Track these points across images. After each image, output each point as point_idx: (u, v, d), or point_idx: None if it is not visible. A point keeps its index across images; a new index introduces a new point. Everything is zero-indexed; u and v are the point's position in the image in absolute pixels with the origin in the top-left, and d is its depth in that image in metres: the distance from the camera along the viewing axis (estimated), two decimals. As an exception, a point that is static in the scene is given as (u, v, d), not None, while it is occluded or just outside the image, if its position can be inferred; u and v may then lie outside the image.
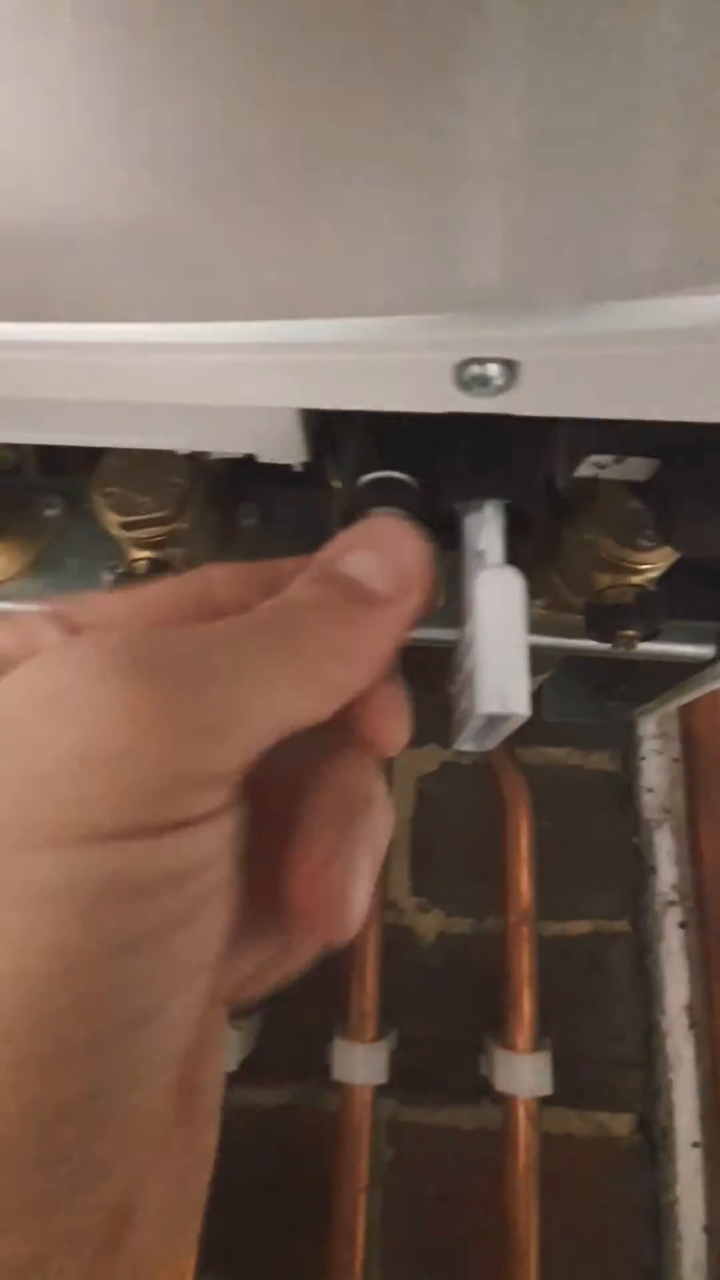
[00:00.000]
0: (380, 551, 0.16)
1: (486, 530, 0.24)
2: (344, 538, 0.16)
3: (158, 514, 0.33)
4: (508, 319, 0.19)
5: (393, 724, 0.16)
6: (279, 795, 0.14)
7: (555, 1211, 0.54)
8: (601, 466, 0.28)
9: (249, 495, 0.41)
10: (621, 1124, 0.57)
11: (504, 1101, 0.53)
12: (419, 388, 0.21)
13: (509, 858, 0.59)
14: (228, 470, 0.39)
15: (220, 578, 0.15)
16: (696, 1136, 0.54)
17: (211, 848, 0.10)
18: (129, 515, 0.32)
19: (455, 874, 0.63)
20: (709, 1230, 0.53)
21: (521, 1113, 0.52)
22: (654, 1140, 0.56)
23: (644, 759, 0.65)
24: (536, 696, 0.63)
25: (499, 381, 0.20)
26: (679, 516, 0.26)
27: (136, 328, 0.20)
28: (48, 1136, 0.08)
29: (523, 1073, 0.53)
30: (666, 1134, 0.55)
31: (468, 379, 0.20)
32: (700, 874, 0.58)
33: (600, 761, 0.67)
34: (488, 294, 0.19)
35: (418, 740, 0.66)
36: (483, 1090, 0.56)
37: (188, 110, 0.14)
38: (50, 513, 0.41)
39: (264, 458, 0.30)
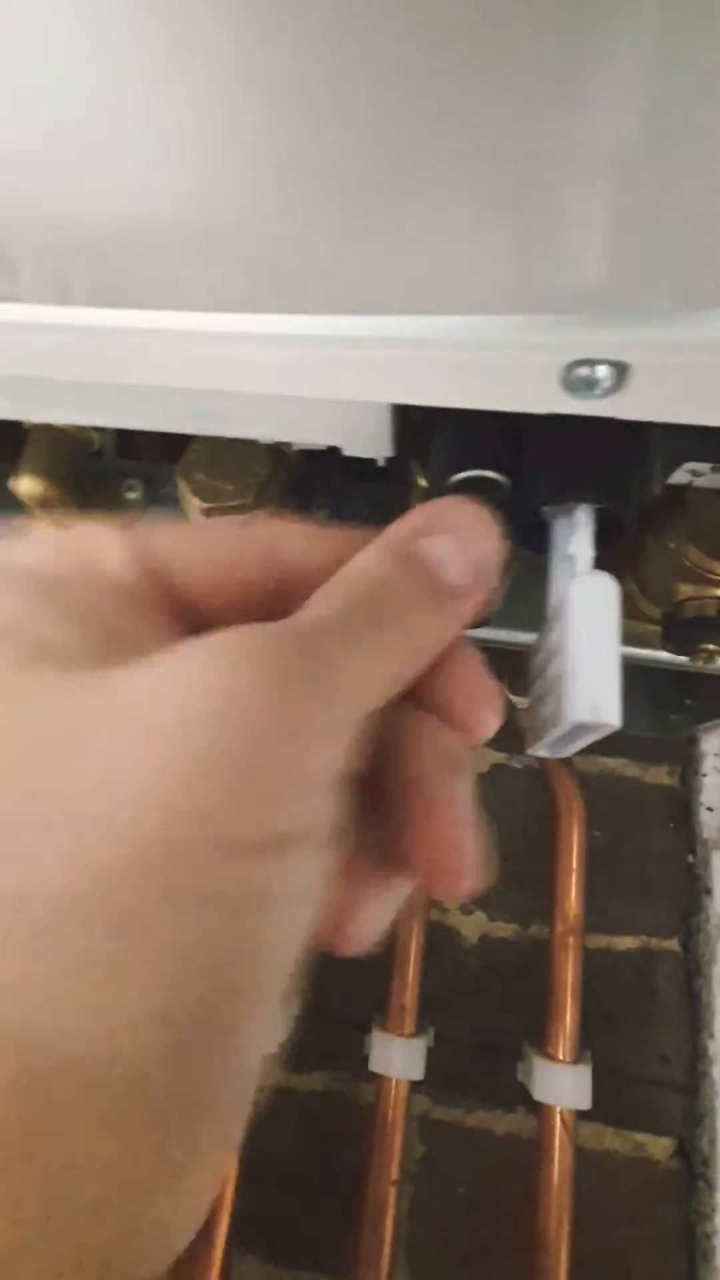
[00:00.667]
0: (458, 539, 0.15)
1: (578, 535, 0.24)
2: (420, 516, 0.15)
3: (238, 502, 0.33)
4: (623, 321, 0.18)
5: (484, 709, 0.16)
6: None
7: (587, 1228, 0.53)
8: (698, 475, 0.27)
9: (321, 489, 0.41)
10: (660, 1147, 0.56)
11: (540, 1110, 0.53)
12: (524, 388, 0.20)
13: (559, 866, 0.58)
14: (305, 463, 0.39)
15: (290, 534, 0.15)
16: (739, 1168, 0.53)
17: (314, 866, 0.11)
18: (211, 502, 0.33)
19: (501, 877, 0.63)
20: (747, 1265, 0.51)
21: (559, 1123, 0.52)
22: (694, 1168, 0.55)
23: (705, 776, 0.63)
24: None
25: (607, 384, 0.20)
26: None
27: (239, 318, 0.20)
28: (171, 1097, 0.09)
29: (562, 1083, 0.52)
30: (708, 1162, 0.54)
31: (574, 381, 0.20)
32: (759, 899, 0.55)
33: (659, 775, 0.65)
34: (597, 296, 0.18)
35: None
36: (517, 1097, 0.56)
37: (283, 104, 0.14)
38: (131, 495, 0.42)
39: (350, 451, 0.30)
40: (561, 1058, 0.53)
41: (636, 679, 0.66)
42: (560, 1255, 0.50)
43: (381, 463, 0.30)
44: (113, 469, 0.42)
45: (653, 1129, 0.56)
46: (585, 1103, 0.52)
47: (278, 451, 0.35)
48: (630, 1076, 0.57)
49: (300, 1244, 0.55)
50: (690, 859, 0.62)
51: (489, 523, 0.16)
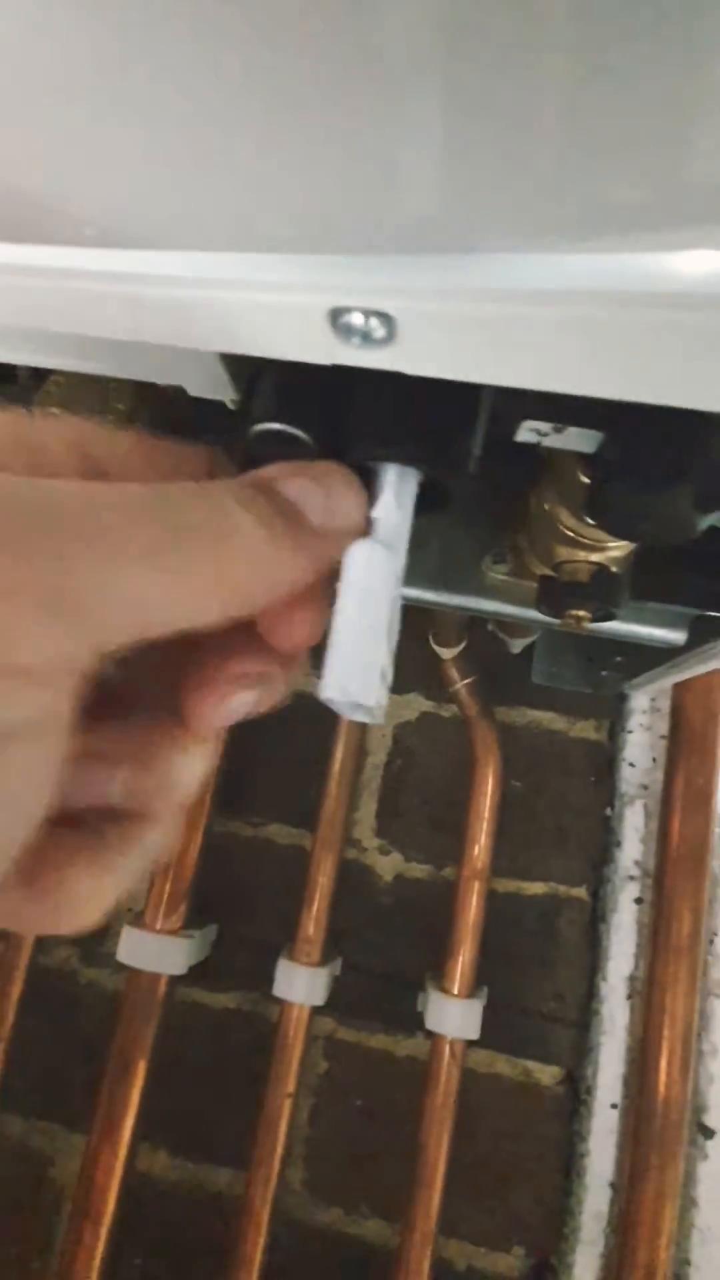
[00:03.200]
0: (325, 489, 0.15)
1: (382, 497, 0.22)
2: (289, 465, 0.15)
3: (94, 441, 0.32)
4: (374, 266, 0.17)
5: (296, 615, 0.16)
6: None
7: (473, 1143, 0.57)
8: (543, 434, 0.26)
9: (210, 425, 0.39)
10: (549, 1074, 0.59)
11: (433, 1039, 0.56)
12: (298, 335, 0.19)
13: (471, 813, 0.59)
14: (183, 399, 0.37)
15: (97, 434, 0.14)
16: (616, 1098, 0.56)
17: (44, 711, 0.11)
18: (63, 440, 0.31)
19: (420, 821, 0.64)
20: (613, 1186, 0.55)
21: (446, 1051, 0.55)
22: (578, 1094, 0.58)
23: (630, 732, 0.63)
24: (526, 657, 0.61)
25: (379, 334, 0.18)
26: (609, 497, 0.24)
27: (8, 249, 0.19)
28: None
29: (452, 1015, 0.54)
30: (590, 1091, 0.57)
31: (344, 329, 0.18)
32: (665, 853, 0.57)
33: (586, 730, 0.65)
34: (357, 240, 0.16)
35: (400, 688, 0.66)
36: (418, 1024, 0.59)
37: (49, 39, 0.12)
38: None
39: (193, 392, 0.28)
40: (455, 992, 0.55)
41: (569, 636, 0.65)
42: (438, 1165, 0.54)
43: (231, 405, 0.29)
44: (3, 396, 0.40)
45: (542, 1058, 0.59)
46: (473, 1033, 0.55)
47: (144, 387, 0.33)
48: (526, 1010, 0.59)
49: (205, 1141, 0.60)
50: (607, 812, 0.63)
51: (356, 487, 0.16)
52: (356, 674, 0.19)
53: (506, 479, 0.36)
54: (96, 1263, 0.54)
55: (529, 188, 0.14)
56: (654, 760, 0.62)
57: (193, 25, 0.12)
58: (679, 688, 0.60)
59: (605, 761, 0.64)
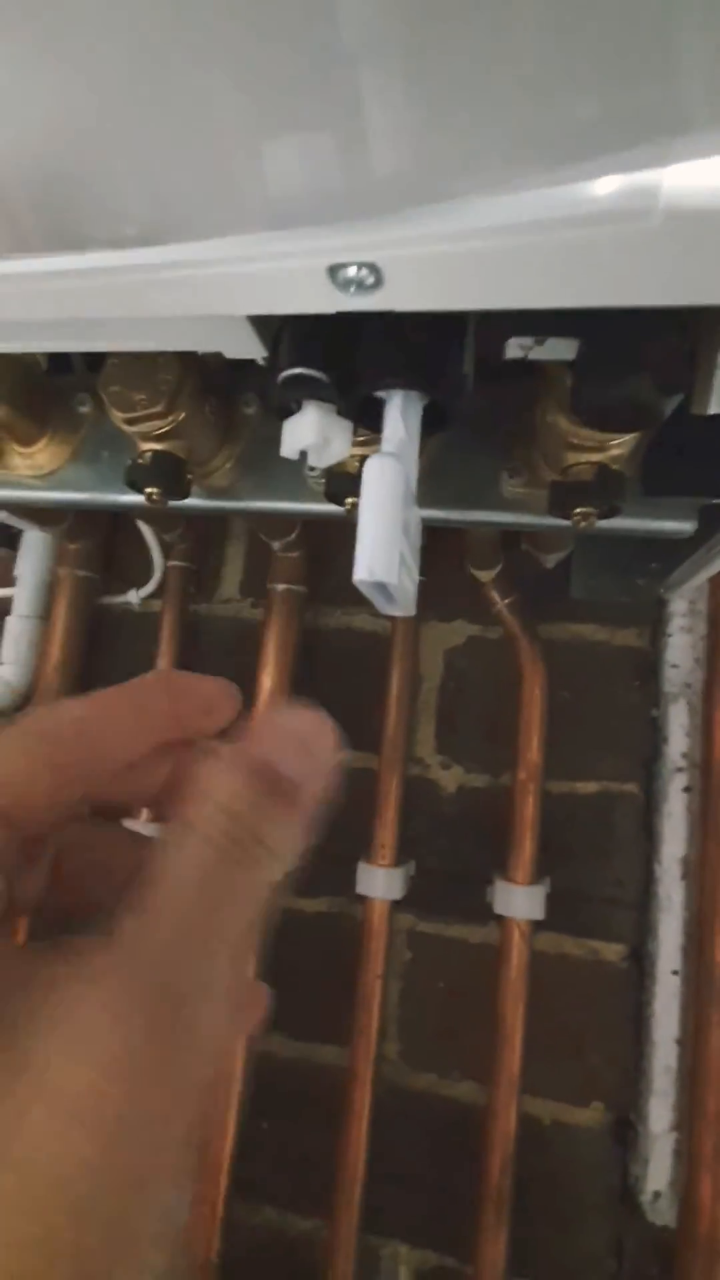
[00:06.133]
0: (304, 749, 0.16)
1: (390, 419, 0.27)
2: (265, 738, 0.16)
3: (153, 409, 0.37)
4: (357, 228, 0.21)
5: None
6: None
7: (547, 1014, 0.63)
8: (526, 348, 0.30)
9: (249, 385, 0.44)
10: (614, 951, 0.64)
11: (503, 922, 0.62)
12: (307, 290, 0.24)
13: (522, 722, 0.64)
14: (224, 364, 0.42)
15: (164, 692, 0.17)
16: (676, 965, 0.61)
17: None
18: (128, 411, 0.37)
19: (476, 737, 0.69)
20: (679, 1042, 0.61)
21: (515, 932, 0.61)
22: (642, 967, 0.63)
23: (670, 636, 0.66)
24: (564, 573, 0.64)
25: (369, 281, 0.23)
26: (583, 393, 0.27)
27: (62, 259, 0.24)
28: None
29: (518, 899, 0.60)
30: (652, 962, 0.62)
31: (343, 281, 0.23)
32: (711, 742, 0.60)
33: (627, 638, 0.68)
34: (346, 209, 0.21)
35: (446, 615, 0.72)
36: (490, 915, 0.65)
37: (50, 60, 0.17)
38: (83, 409, 0.46)
39: (230, 354, 0.34)
40: (519, 880, 0.61)
41: (600, 548, 0.68)
42: (516, 1031, 0.60)
43: (262, 361, 0.34)
44: (65, 386, 0.46)
45: (606, 937, 0.64)
46: (539, 914, 0.60)
47: (187, 359, 0.38)
48: (588, 896, 0.65)
49: (312, 1024, 0.68)
50: (653, 713, 0.66)
51: (325, 726, 0.17)
52: (381, 558, 0.24)
53: (513, 399, 0.40)
54: (231, 1126, 0.63)
55: (474, 145, 0.18)
56: (696, 661, 0.65)
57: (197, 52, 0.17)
58: (714, 587, 0.63)
59: (649, 666, 0.67)
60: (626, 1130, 0.64)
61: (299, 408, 0.30)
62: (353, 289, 0.23)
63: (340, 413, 0.29)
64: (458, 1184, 0.63)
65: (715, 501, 0.40)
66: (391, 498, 0.25)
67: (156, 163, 0.20)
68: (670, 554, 0.66)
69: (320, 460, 0.29)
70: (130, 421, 0.38)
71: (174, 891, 0.14)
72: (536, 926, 0.62)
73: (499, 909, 0.61)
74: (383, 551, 0.25)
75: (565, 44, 0.16)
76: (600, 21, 0.15)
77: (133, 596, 0.76)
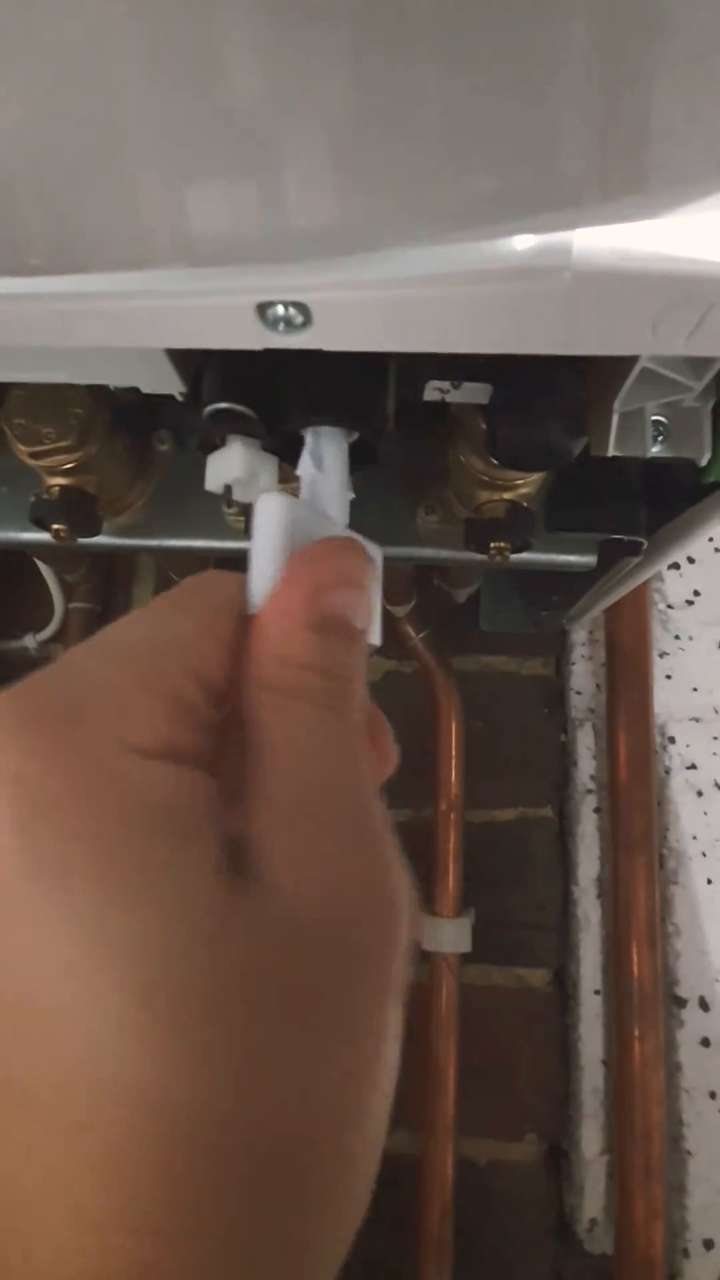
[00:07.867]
0: (353, 586, 0.18)
1: (302, 456, 0.27)
2: (317, 574, 0.18)
3: (61, 444, 0.36)
4: (287, 269, 0.22)
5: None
6: None
7: (478, 1049, 0.63)
8: (443, 391, 0.31)
9: (163, 421, 0.43)
10: (539, 977, 0.65)
11: (431, 958, 0.61)
12: (233, 327, 0.24)
13: (440, 754, 0.65)
14: (138, 399, 0.41)
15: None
16: (597, 985, 0.63)
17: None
18: (34, 445, 0.36)
19: (397, 771, 0.69)
20: (605, 1063, 0.62)
21: (444, 967, 0.60)
22: (566, 990, 0.65)
23: (574, 664, 0.70)
24: (473, 608, 0.67)
25: (298, 320, 0.23)
26: (497, 435, 0.29)
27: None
28: None
29: (446, 933, 0.60)
30: (575, 984, 0.64)
31: (271, 319, 0.23)
32: (615, 764, 0.63)
33: (535, 668, 0.71)
34: (277, 250, 0.21)
35: None
36: (417, 953, 0.64)
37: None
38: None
39: (146, 389, 0.33)
40: (445, 913, 0.61)
41: (506, 583, 0.71)
42: (449, 1070, 0.59)
43: (180, 398, 0.33)
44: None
45: (530, 963, 0.65)
46: (466, 946, 0.60)
47: (98, 391, 0.37)
48: (511, 924, 0.66)
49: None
50: (562, 738, 0.69)
51: (347, 546, 0.18)
52: (265, 593, 0.24)
53: (428, 441, 0.42)
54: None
55: (400, 202, 0.19)
56: (597, 686, 0.69)
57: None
58: (610, 616, 0.67)
59: (556, 693, 0.71)
60: (560, 1159, 0.64)
61: (224, 443, 0.29)
62: (281, 326, 0.23)
63: (265, 447, 0.29)
64: (397, 1238, 0.60)
65: (613, 537, 0.43)
66: (275, 534, 0.24)
67: (62, 191, 0.20)
68: (570, 587, 0.70)
69: (246, 495, 0.29)
70: (35, 455, 0.36)
71: (300, 762, 0.14)
72: (464, 959, 0.62)
73: (427, 945, 0.61)
74: (270, 585, 0.24)
75: (469, 127, 0.17)
76: (499, 112, 0.17)
77: (30, 641, 0.72)
